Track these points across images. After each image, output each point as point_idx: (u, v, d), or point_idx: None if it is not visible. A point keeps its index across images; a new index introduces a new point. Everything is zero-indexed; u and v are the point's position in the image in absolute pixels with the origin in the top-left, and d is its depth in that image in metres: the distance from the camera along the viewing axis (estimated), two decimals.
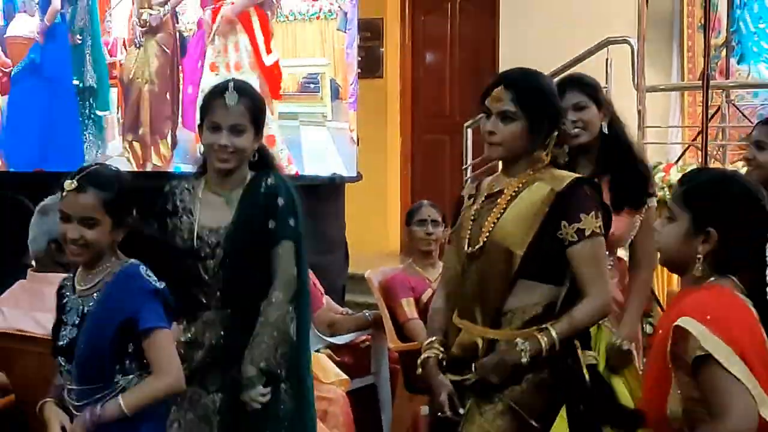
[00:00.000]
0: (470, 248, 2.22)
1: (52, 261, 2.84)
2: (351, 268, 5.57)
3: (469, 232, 2.25)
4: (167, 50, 5.87)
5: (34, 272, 2.90)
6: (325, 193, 5.54)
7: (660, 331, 1.85)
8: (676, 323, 1.74)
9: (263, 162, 2.54)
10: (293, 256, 2.43)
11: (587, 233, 2.08)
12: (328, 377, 3.51)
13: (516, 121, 2.15)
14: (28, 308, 2.81)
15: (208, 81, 5.56)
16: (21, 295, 2.91)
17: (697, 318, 1.73)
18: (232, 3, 5.68)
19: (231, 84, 2.40)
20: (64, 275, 2.39)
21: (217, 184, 2.47)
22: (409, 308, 3.76)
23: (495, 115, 2.16)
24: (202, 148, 2.54)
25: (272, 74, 5.51)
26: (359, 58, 5.85)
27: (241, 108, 2.37)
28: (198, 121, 2.51)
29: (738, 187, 1.90)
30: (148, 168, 5.85)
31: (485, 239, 2.20)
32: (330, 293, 4.23)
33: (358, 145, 5.84)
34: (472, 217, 2.27)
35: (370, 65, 6.99)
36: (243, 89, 2.45)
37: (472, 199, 2.33)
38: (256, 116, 2.42)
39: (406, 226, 4.11)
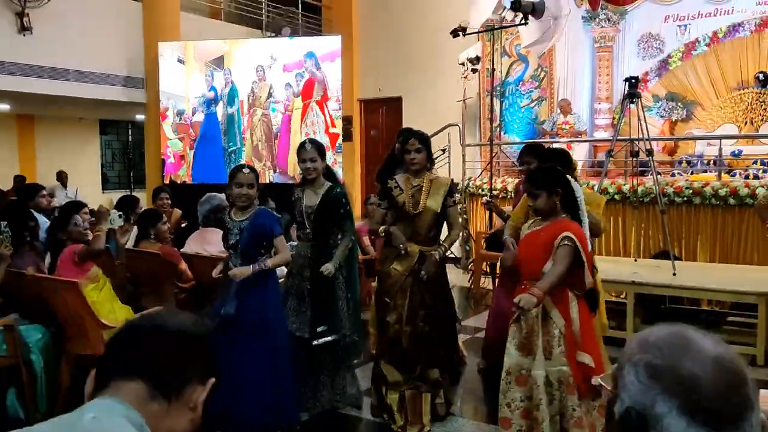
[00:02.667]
0: (414, 211, 2.44)
1: (210, 222, 3.36)
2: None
3: (411, 204, 2.44)
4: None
5: (203, 227, 3.44)
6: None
7: (542, 235, 2.16)
8: (564, 233, 2.09)
9: (330, 175, 2.64)
10: (353, 227, 2.64)
11: (457, 202, 2.50)
12: None
13: (422, 152, 2.50)
14: (202, 243, 3.38)
15: (297, 139, 6.23)
16: (196, 238, 3.49)
17: (571, 230, 2.10)
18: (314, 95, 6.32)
19: (307, 140, 2.57)
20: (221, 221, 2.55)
21: (309, 188, 2.56)
22: (365, 240, 4.15)
23: (414, 151, 2.47)
24: (299, 170, 2.63)
25: (332, 136, 6.43)
26: (343, 135, 6.76)
27: (314, 149, 2.54)
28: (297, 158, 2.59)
29: (554, 169, 2.20)
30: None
31: (422, 207, 2.44)
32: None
33: (343, 171, 6.85)
34: (411, 195, 2.44)
35: (348, 136, 8.00)
36: (314, 141, 2.59)
37: (397, 187, 2.48)
38: (322, 153, 2.57)
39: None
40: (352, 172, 8.28)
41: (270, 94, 6.79)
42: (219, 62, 6.85)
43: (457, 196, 2.54)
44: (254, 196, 2.42)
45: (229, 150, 6.66)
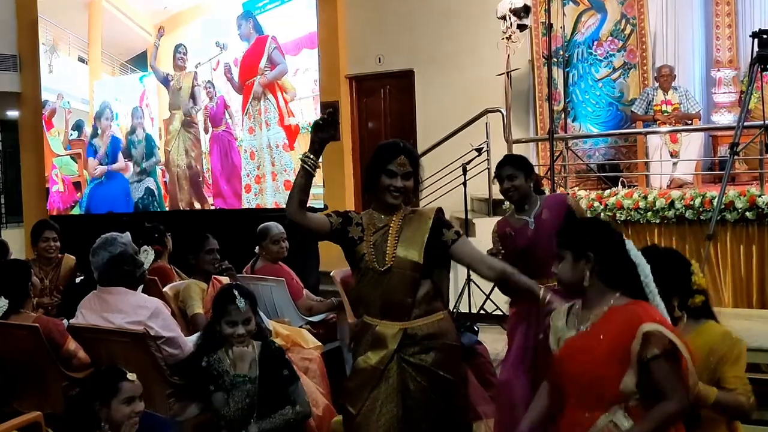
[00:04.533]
0: (381, 267, 2.50)
1: (112, 277, 3.51)
2: (321, 267, 6.45)
3: (373, 256, 2.51)
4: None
5: (101, 287, 3.52)
6: None
7: (602, 336, 2.02)
8: (644, 329, 1.91)
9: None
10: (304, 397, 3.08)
11: (460, 234, 2.52)
12: (308, 344, 3.92)
13: (410, 179, 2.56)
14: (101, 310, 3.47)
15: (249, 140, 7.52)
16: (92, 302, 3.55)
17: (649, 318, 1.94)
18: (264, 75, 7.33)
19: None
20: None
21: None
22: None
23: (401, 177, 2.52)
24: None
25: (290, 131, 7.27)
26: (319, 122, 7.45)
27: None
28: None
29: (592, 222, 2.26)
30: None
31: (390, 260, 2.50)
32: (308, 286, 4.91)
33: (324, 186, 7.36)
34: (373, 244, 2.52)
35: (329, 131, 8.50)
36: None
37: (359, 225, 2.57)
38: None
39: None
40: (338, 184, 8.41)
41: (193, 89, 7.86)
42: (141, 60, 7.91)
43: (453, 229, 2.56)
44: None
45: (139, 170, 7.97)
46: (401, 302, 2.50)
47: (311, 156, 2.47)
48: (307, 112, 7.49)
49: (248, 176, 7.69)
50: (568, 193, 4.81)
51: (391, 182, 2.52)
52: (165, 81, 8.28)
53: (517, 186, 3.21)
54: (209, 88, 8.04)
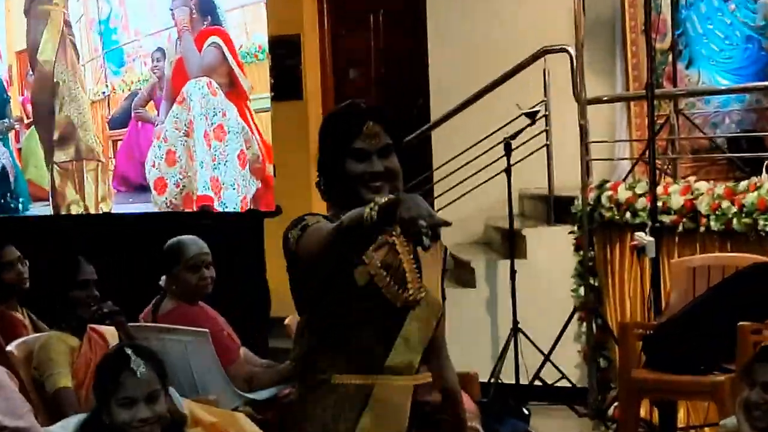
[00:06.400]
0: (411, 298, 2.71)
1: None
2: (273, 311, 6.63)
3: (393, 284, 2.69)
4: None
5: None
6: (241, 229, 7.23)
7: None
8: None
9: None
10: None
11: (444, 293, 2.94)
12: None
13: (392, 155, 2.74)
14: None
15: None
16: None
17: None
18: None
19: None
20: None
21: None
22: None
23: (375, 153, 2.70)
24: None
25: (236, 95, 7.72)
26: (272, 80, 7.52)
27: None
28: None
29: None
30: None
31: (421, 288, 2.73)
32: (249, 342, 5.08)
33: (275, 175, 7.45)
34: (382, 267, 2.69)
35: (287, 87, 8.39)
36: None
37: None
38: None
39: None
40: (299, 171, 8.22)
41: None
42: None
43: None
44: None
45: None
46: (414, 355, 2.75)
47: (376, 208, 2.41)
48: (245, 43, 7.74)
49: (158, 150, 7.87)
50: None
51: (363, 167, 2.67)
52: None
53: None
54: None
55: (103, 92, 8.51)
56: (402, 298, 2.68)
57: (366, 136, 2.69)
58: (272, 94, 7.39)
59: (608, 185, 6.66)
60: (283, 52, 8.49)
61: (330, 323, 2.76)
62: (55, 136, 8.46)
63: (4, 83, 8.85)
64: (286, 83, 8.40)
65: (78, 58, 8.49)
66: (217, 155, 7.65)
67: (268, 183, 7.51)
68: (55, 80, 8.44)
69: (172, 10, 7.74)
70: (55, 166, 8.55)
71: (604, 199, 6.59)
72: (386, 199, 2.43)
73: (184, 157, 7.78)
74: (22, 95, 8.86)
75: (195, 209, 7.81)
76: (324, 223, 2.64)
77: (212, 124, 7.58)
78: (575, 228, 6.73)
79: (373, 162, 2.69)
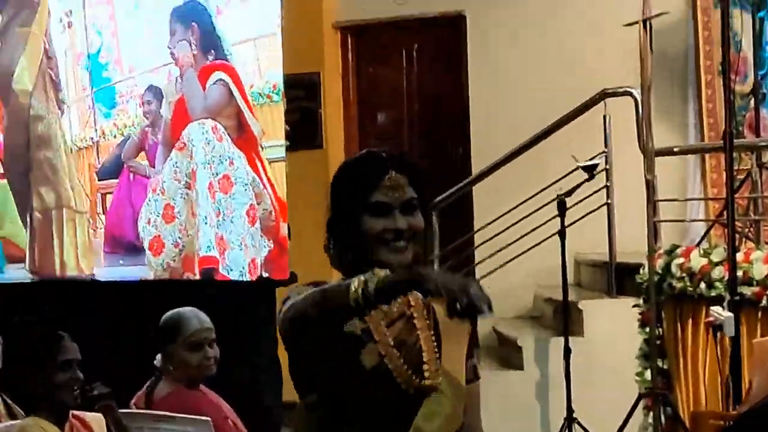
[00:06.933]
0: (420, 383, 2.73)
1: None
2: (285, 395, 6.53)
3: (403, 367, 2.72)
4: None
5: None
6: (250, 300, 7.15)
7: None
8: None
9: None
10: None
11: (478, 372, 2.94)
12: None
13: (416, 211, 2.77)
14: None
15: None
16: None
17: None
18: None
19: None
20: None
21: None
22: None
23: (399, 207, 2.74)
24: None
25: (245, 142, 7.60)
26: (287, 126, 7.37)
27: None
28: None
29: None
30: None
31: (434, 374, 2.74)
32: (258, 430, 5.18)
33: (290, 236, 7.37)
34: (394, 347, 2.74)
35: (304, 132, 8.43)
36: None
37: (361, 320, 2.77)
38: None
39: None
40: (316, 229, 8.42)
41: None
42: None
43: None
44: None
45: None
46: None
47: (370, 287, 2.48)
48: (257, 82, 7.60)
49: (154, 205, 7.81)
50: None
51: (383, 224, 2.69)
52: None
53: None
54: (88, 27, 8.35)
55: (91, 138, 8.48)
56: (415, 384, 2.68)
57: (387, 189, 2.70)
58: (287, 142, 7.33)
59: (679, 251, 6.64)
60: (301, 93, 8.56)
61: (332, 411, 2.75)
62: (30, 179, 8.44)
63: None
64: (303, 128, 8.44)
65: (57, 94, 8.51)
66: (223, 210, 7.60)
67: (282, 244, 7.41)
68: (31, 113, 8.43)
69: (170, 48, 7.74)
70: (32, 215, 8.54)
71: (674, 268, 6.56)
72: (384, 274, 2.47)
73: (184, 212, 7.74)
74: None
75: (196, 272, 7.77)
76: (306, 294, 2.64)
77: (217, 174, 7.52)
78: (640, 301, 6.66)
79: (396, 218, 2.69)
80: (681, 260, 6.51)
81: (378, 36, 9.22)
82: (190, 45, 7.52)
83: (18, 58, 8.51)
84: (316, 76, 8.80)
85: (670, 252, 6.64)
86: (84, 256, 8.34)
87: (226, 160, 7.39)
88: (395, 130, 9.23)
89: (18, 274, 8.60)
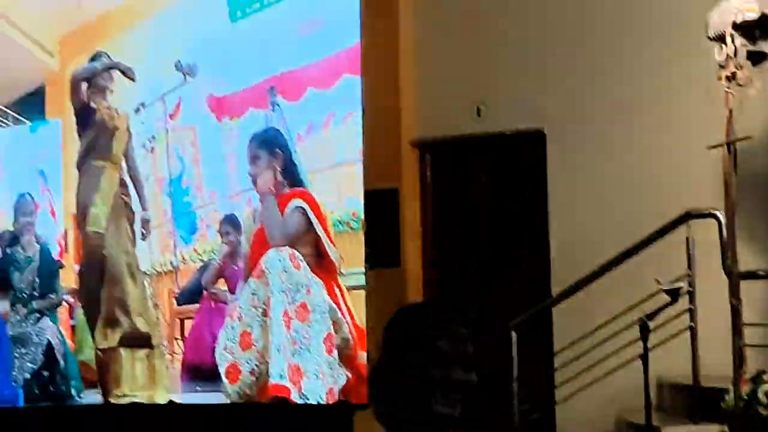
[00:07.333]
0: None
1: None
2: None
3: None
4: None
5: None
6: (326, 426, 7.22)
7: None
8: None
9: None
10: None
11: None
12: None
13: (474, 365, 2.78)
14: None
15: None
16: None
17: None
18: None
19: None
20: None
21: None
22: None
23: (456, 361, 2.73)
24: None
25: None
26: (367, 250, 7.49)
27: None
28: None
29: None
30: None
31: None
32: None
33: (368, 360, 7.35)
34: None
35: (382, 251, 8.29)
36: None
37: None
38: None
39: None
40: None
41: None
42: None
43: None
44: None
45: None
46: None
47: None
48: (337, 205, 7.72)
49: (231, 332, 7.78)
50: None
51: (441, 374, 2.64)
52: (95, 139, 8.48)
53: None
54: (171, 153, 8.45)
55: (171, 263, 8.59)
56: None
57: (448, 340, 2.67)
58: (367, 265, 7.41)
59: (766, 377, 6.50)
60: (378, 209, 8.49)
61: None
62: (102, 314, 8.50)
63: (57, 249, 8.95)
64: (380, 246, 8.39)
65: (131, 224, 8.59)
66: (299, 339, 7.59)
67: (361, 373, 7.37)
68: (104, 253, 8.50)
69: (250, 174, 7.79)
70: (105, 345, 8.58)
71: (761, 394, 6.41)
72: None
73: (261, 339, 7.69)
74: (78, 264, 8.88)
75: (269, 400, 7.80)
76: None
77: (294, 301, 7.51)
78: (725, 427, 6.50)
79: (455, 370, 2.66)
80: None
81: (456, 152, 9.18)
82: (271, 171, 7.56)
83: (93, 195, 8.57)
84: (394, 193, 8.79)
85: (757, 378, 6.48)
86: (159, 383, 8.39)
87: (303, 288, 7.39)
88: (473, 247, 9.14)
89: (95, 398, 8.63)
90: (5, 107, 8.92)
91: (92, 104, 8.46)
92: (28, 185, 8.93)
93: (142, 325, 8.40)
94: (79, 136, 8.58)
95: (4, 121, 9.00)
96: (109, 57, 8.50)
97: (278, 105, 7.89)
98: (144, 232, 8.48)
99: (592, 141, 8.59)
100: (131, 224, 8.58)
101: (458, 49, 9.01)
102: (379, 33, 8.57)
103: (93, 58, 8.51)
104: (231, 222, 8.03)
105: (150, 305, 8.47)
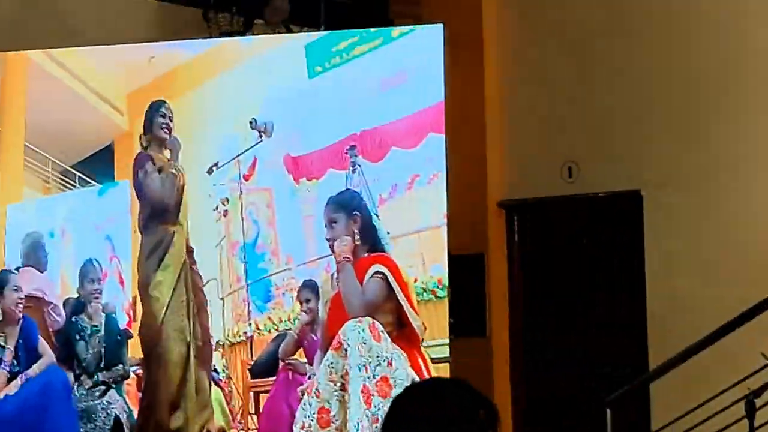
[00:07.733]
0: None
1: None
2: None
3: None
4: None
5: None
6: None
7: None
8: None
9: None
10: None
11: None
12: None
13: None
14: None
15: None
16: None
17: None
18: None
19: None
20: None
21: None
22: None
23: None
24: None
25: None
26: (451, 320, 7.34)
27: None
28: None
29: None
30: None
31: None
32: None
33: None
34: None
35: (467, 319, 8.27)
36: None
37: None
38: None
39: None
40: None
41: None
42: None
43: None
44: None
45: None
46: None
47: None
48: (420, 272, 7.59)
49: (309, 408, 7.66)
50: None
51: None
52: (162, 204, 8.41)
53: None
54: (245, 216, 8.36)
55: (245, 332, 8.48)
56: None
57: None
58: (452, 336, 7.30)
59: None
60: (464, 275, 8.43)
61: None
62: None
63: (126, 318, 8.84)
64: (466, 315, 8.35)
65: (197, 294, 8.44)
66: (380, 416, 7.39)
67: None
68: (162, 323, 8.35)
69: (328, 239, 7.72)
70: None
71: None
72: None
73: (340, 416, 7.59)
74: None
75: None
76: None
77: (374, 376, 7.41)
78: None
79: None
80: None
81: (545, 214, 9.27)
82: (349, 236, 7.49)
83: (158, 260, 8.46)
84: (480, 258, 8.83)
85: None
86: None
87: (384, 361, 7.28)
88: (564, 314, 9.12)
89: None
90: (72, 167, 8.85)
91: (157, 163, 8.44)
92: (94, 251, 8.84)
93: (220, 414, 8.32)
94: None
95: (71, 182, 8.95)
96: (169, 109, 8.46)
97: (359, 165, 7.84)
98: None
99: (694, 204, 8.57)
100: (197, 294, 8.48)
101: (554, 107, 9.12)
102: (465, 87, 8.60)
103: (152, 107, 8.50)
104: (311, 288, 7.91)
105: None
